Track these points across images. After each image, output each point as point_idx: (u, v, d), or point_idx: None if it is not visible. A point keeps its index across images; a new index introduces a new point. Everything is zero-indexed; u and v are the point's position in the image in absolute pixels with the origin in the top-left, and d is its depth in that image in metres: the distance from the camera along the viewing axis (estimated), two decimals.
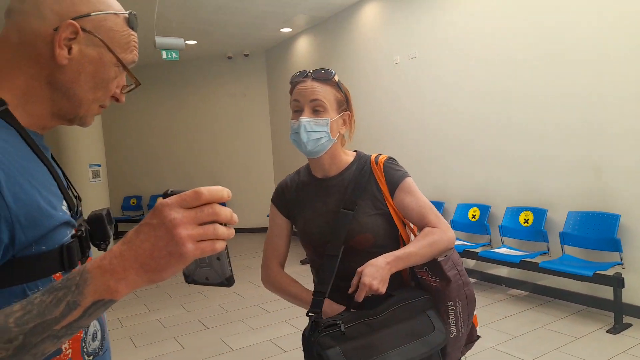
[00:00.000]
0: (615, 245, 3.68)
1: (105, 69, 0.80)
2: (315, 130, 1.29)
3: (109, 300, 0.59)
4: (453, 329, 1.26)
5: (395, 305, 1.22)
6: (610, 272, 3.65)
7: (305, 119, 1.29)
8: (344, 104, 1.36)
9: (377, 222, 1.32)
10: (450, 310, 1.25)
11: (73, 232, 0.76)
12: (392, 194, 1.34)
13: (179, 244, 0.58)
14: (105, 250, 0.79)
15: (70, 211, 0.77)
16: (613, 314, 3.62)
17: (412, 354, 1.16)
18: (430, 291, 1.27)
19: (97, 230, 0.84)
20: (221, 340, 3.87)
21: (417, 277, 1.31)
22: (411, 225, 1.38)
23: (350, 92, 1.40)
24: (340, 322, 1.16)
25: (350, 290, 1.20)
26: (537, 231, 4.24)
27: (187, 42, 6.99)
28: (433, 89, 5.27)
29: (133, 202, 9.76)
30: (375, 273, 1.17)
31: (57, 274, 0.73)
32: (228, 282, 0.71)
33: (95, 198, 6.66)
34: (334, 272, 1.26)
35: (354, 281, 1.20)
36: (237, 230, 6.31)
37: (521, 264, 4.09)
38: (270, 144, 9.27)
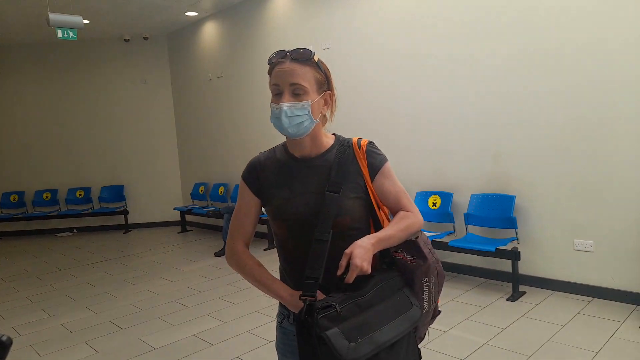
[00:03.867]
0: (511, 222, 4.13)
1: None
2: (297, 114, 1.27)
3: None
4: (425, 304, 1.32)
5: (377, 285, 1.24)
6: (508, 247, 4.09)
7: (286, 104, 1.26)
8: (325, 84, 1.34)
9: (355, 205, 1.33)
10: (425, 286, 1.31)
11: None
12: (372, 177, 1.35)
13: None
14: None
15: None
16: (511, 284, 4.07)
17: (401, 329, 1.20)
18: (406, 270, 1.31)
19: None
20: (140, 340, 3.65)
21: (393, 257, 1.34)
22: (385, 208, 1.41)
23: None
24: (336, 303, 1.15)
25: (339, 272, 1.20)
26: (444, 213, 4.60)
27: None
28: (346, 82, 5.43)
29: (14, 199, 8.72)
30: (364, 255, 1.19)
31: None
32: None
33: None
34: (325, 257, 1.24)
35: (343, 262, 1.20)
36: (143, 225, 6.03)
37: (432, 243, 4.41)
38: (174, 133, 8.84)
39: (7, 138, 8.74)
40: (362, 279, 1.23)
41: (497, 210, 4.26)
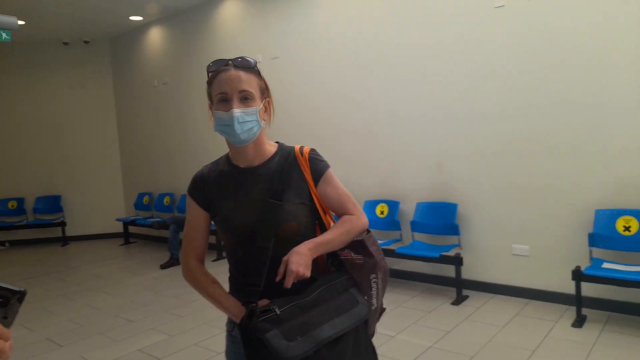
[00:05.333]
0: (454, 229, 4.31)
1: None
2: (247, 120, 1.30)
3: None
4: (374, 301, 1.39)
5: (320, 287, 1.30)
6: (451, 253, 4.26)
7: (237, 111, 1.28)
8: (265, 91, 1.38)
9: (301, 211, 1.37)
10: (373, 282, 1.37)
11: None
12: (316, 183, 1.40)
13: None
14: None
15: None
16: (455, 288, 4.24)
17: (342, 326, 1.26)
18: (354, 268, 1.37)
19: None
20: (81, 357, 3.47)
21: (340, 258, 1.39)
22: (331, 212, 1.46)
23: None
24: (275, 307, 1.21)
25: (278, 279, 1.25)
26: (391, 221, 4.72)
27: None
28: (294, 92, 5.47)
29: None
30: (300, 260, 1.25)
31: None
32: None
33: None
34: (267, 264, 1.28)
35: (281, 269, 1.25)
36: (82, 238, 5.80)
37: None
38: (117, 141, 8.52)
39: None
40: (306, 283, 1.28)
41: (441, 218, 4.43)
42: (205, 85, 1.37)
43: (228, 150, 1.44)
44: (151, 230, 7.61)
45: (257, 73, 1.36)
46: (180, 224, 6.15)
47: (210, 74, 1.35)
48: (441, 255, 4.15)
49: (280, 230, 1.32)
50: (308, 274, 1.25)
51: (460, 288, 4.19)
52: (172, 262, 6.05)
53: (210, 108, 1.37)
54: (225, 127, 1.31)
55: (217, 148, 6.94)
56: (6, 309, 0.70)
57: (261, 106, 1.34)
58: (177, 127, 7.28)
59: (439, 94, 4.46)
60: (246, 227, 1.34)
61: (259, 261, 1.29)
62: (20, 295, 0.71)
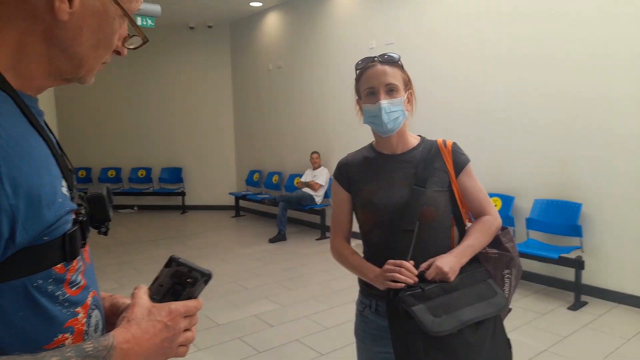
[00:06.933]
0: (576, 231, 4.05)
1: (109, 23, 0.69)
2: (393, 110, 1.39)
3: None
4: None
5: (462, 273, 1.36)
6: (572, 255, 4.01)
7: (384, 102, 1.38)
8: (408, 83, 1.46)
9: (440, 198, 1.44)
10: (507, 278, 1.42)
11: (73, 216, 0.67)
12: (457, 174, 1.47)
13: (174, 347, 0.71)
14: (105, 233, 0.78)
15: (70, 191, 0.68)
16: (571, 292, 4.01)
17: (482, 312, 1.31)
18: (488, 262, 1.43)
19: (97, 212, 0.75)
20: (206, 315, 3.86)
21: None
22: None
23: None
24: (421, 284, 1.29)
25: (422, 267, 1.33)
26: (504, 217, 4.54)
27: None
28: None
29: (82, 174, 9.27)
30: (449, 261, 1.33)
31: (59, 265, 0.65)
32: None
33: None
34: (412, 245, 1.36)
35: (426, 264, 1.34)
36: (198, 208, 6.35)
37: None
38: (231, 120, 9.11)
39: (80, 116, 9.27)
40: None
41: (562, 217, 4.18)
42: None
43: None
44: (260, 205, 8.08)
45: (401, 67, 1.44)
46: (288, 202, 6.47)
47: (358, 71, 1.46)
48: (560, 257, 3.93)
49: (419, 214, 1.40)
50: (452, 278, 1.31)
51: (579, 293, 3.95)
52: (280, 237, 6.40)
53: (358, 103, 1.48)
54: (374, 118, 1.41)
55: (323, 132, 7.16)
56: (194, 288, 0.73)
57: (405, 97, 1.42)
58: (288, 110, 7.59)
59: (567, 83, 4.17)
60: (387, 209, 1.43)
61: (403, 242, 1.36)
62: (207, 278, 0.74)
